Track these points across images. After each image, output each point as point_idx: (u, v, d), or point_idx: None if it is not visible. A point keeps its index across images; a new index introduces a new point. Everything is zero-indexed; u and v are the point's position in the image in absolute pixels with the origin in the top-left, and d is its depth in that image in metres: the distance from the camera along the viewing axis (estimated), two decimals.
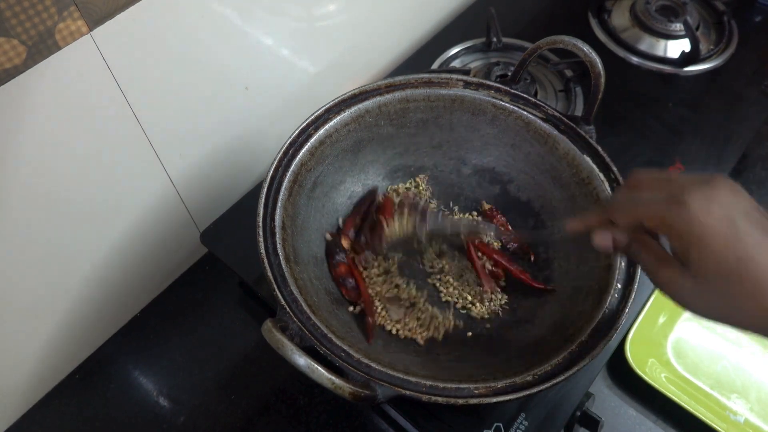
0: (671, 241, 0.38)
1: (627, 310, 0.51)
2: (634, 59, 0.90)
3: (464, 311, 0.61)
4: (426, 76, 0.65)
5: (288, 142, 0.58)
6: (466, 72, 0.86)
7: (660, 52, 0.90)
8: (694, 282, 0.37)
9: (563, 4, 0.99)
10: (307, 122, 0.60)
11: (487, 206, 0.68)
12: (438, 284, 0.63)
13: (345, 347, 0.48)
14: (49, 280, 0.61)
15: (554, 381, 0.47)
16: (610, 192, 0.58)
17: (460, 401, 0.46)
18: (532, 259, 0.64)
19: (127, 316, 0.72)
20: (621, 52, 0.91)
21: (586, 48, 0.59)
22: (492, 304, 0.62)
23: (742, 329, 0.37)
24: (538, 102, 0.64)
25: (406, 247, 0.61)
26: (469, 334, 0.60)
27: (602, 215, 0.44)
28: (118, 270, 0.68)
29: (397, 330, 0.59)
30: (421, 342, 0.58)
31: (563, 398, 0.57)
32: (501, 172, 0.68)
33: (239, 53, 0.66)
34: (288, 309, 0.49)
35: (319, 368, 0.44)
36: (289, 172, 0.57)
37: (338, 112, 0.61)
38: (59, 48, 0.49)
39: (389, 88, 0.63)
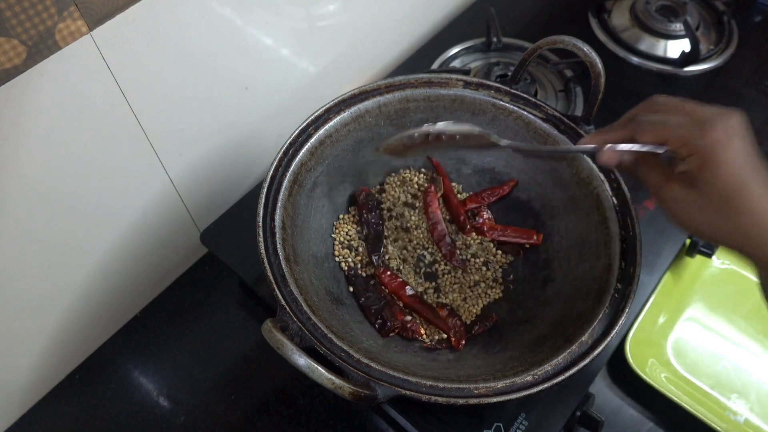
0: (689, 160, 0.42)
1: (627, 310, 0.51)
2: (634, 59, 0.90)
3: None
4: (426, 76, 0.65)
5: (288, 142, 0.58)
6: (466, 72, 0.86)
7: (660, 52, 0.90)
8: (698, 199, 0.42)
9: (563, 4, 0.99)
10: (307, 122, 0.60)
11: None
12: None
13: (345, 347, 0.48)
14: (48, 280, 0.61)
15: (554, 381, 0.47)
16: (610, 192, 0.58)
17: (460, 401, 0.46)
18: (521, 254, 0.65)
19: (127, 316, 0.72)
20: (621, 52, 0.91)
21: (586, 48, 0.59)
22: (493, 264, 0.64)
23: (731, 247, 0.43)
24: (538, 102, 0.64)
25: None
26: (477, 328, 0.60)
27: (625, 131, 0.46)
28: (118, 270, 0.68)
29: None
30: (428, 340, 0.59)
31: (563, 398, 0.57)
32: (501, 172, 0.68)
33: (239, 53, 0.66)
34: (288, 309, 0.49)
35: (319, 368, 0.44)
36: (289, 172, 0.57)
37: (338, 112, 0.61)
38: (59, 48, 0.49)
39: (389, 88, 0.63)
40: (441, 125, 0.54)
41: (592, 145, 0.48)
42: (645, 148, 0.45)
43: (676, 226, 0.44)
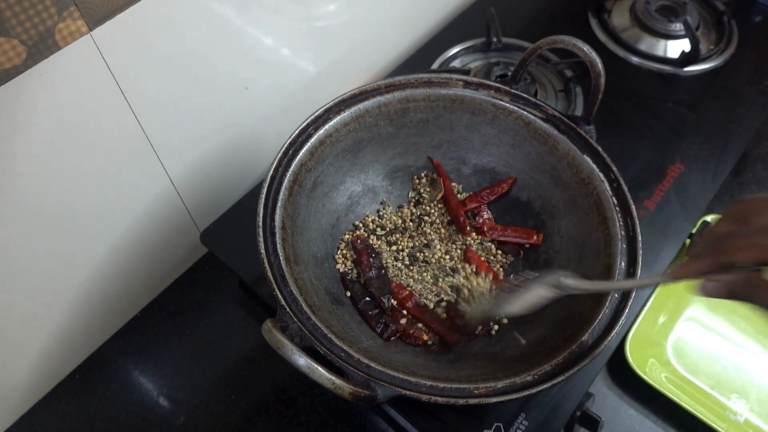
0: None
1: (627, 310, 0.51)
2: (634, 59, 0.90)
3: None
4: (426, 76, 0.65)
5: (288, 142, 0.58)
6: (466, 72, 0.86)
7: (660, 52, 0.90)
8: None
9: (563, 4, 0.99)
10: (307, 122, 0.60)
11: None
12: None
13: (345, 347, 0.48)
14: (48, 279, 0.61)
15: (554, 381, 0.47)
16: (610, 192, 0.58)
17: (460, 401, 0.46)
18: (521, 254, 0.65)
19: (127, 316, 0.72)
20: (621, 52, 0.91)
21: (586, 48, 0.59)
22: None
23: None
24: (538, 102, 0.64)
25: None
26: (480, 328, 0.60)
27: (715, 258, 0.38)
28: (118, 270, 0.68)
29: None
30: (430, 343, 0.59)
31: (563, 398, 0.57)
32: (501, 172, 0.68)
33: (239, 53, 0.66)
34: (288, 309, 0.49)
35: (319, 368, 0.44)
36: (289, 172, 0.57)
37: (338, 112, 0.61)
38: (59, 48, 0.49)
39: (389, 88, 0.63)
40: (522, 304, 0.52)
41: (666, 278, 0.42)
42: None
43: None
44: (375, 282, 0.60)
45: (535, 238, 0.64)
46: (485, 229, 0.65)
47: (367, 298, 0.60)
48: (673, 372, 0.69)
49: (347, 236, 0.64)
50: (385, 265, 0.63)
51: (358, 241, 0.63)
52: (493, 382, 0.47)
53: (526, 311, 0.51)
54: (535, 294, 0.51)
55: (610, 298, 0.52)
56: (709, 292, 0.39)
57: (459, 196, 0.69)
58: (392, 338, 0.58)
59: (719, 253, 0.38)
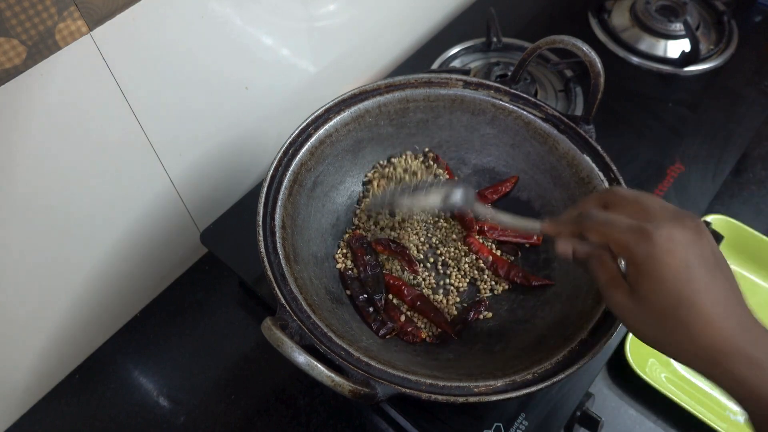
0: (628, 266, 0.40)
1: None
2: (634, 59, 0.90)
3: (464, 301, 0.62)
4: (426, 76, 0.65)
5: (288, 141, 0.58)
6: (466, 72, 0.86)
7: (660, 52, 0.90)
8: (638, 307, 0.40)
9: (563, 4, 0.99)
10: (307, 122, 0.60)
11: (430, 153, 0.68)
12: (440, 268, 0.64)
13: (344, 345, 0.48)
14: (48, 279, 0.61)
15: (554, 379, 0.47)
16: None
17: (460, 399, 0.46)
18: (519, 255, 0.65)
19: (127, 316, 0.72)
20: (621, 52, 0.91)
21: (586, 48, 0.59)
22: (494, 286, 0.63)
23: (676, 360, 0.40)
24: (538, 102, 0.64)
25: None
26: (472, 314, 0.60)
27: (574, 226, 0.44)
28: (118, 270, 0.68)
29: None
30: (429, 340, 0.59)
31: (563, 398, 0.57)
32: (501, 171, 0.68)
33: (239, 53, 0.66)
34: (288, 307, 0.49)
35: (319, 365, 0.44)
36: (289, 172, 0.57)
37: (338, 112, 0.61)
38: (59, 48, 0.49)
39: (389, 88, 0.64)
40: (415, 203, 0.57)
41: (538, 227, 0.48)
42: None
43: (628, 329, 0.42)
44: (370, 280, 0.60)
45: (535, 237, 0.64)
46: (485, 228, 0.65)
47: (365, 296, 0.60)
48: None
49: (347, 235, 0.65)
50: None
51: (354, 239, 0.63)
52: (493, 380, 0.47)
53: (417, 211, 0.58)
54: (429, 200, 0.56)
55: None
56: (559, 251, 0.45)
57: None
58: (388, 336, 0.58)
59: (578, 225, 0.44)
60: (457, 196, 0.55)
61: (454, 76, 0.65)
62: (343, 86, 0.85)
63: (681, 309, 0.37)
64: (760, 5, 0.99)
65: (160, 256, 0.73)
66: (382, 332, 0.57)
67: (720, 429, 0.63)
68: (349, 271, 0.62)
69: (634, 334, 0.42)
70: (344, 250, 0.64)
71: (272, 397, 0.66)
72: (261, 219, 0.54)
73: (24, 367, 0.64)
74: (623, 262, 0.42)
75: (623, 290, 0.41)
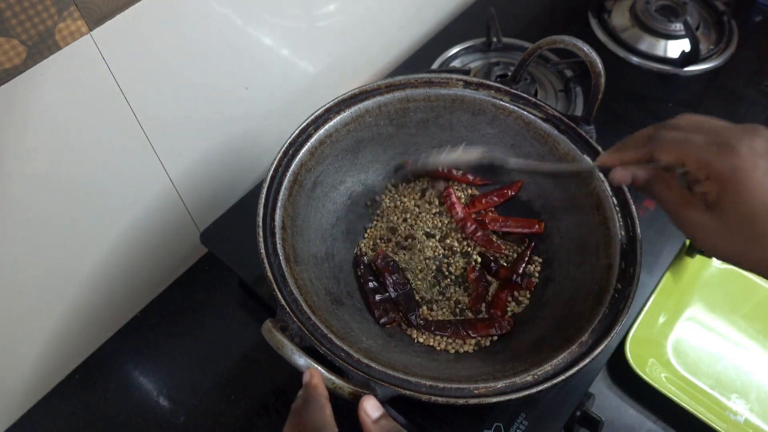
0: (707, 184, 0.40)
1: (627, 310, 0.51)
2: (634, 59, 0.90)
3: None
4: (426, 76, 0.65)
5: (288, 142, 0.58)
6: (466, 72, 0.86)
7: (660, 52, 0.90)
8: (717, 222, 0.40)
9: (563, 4, 0.99)
10: (307, 122, 0.60)
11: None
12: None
13: (345, 347, 0.48)
14: (49, 280, 0.61)
15: (554, 381, 0.47)
16: (610, 192, 0.58)
17: (460, 401, 0.46)
18: (526, 243, 0.65)
19: (127, 316, 0.72)
20: (621, 52, 0.91)
21: (586, 48, 0.59)
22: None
23: (755, 271, 0.41)
24: (538, 102, 0.64)
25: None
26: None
27: (639, 151, 0.44)
28: (118, 270, 0.68)
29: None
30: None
31: (563, 398, 0.57)
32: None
33: (239, 53, 0.66)
34: (288, 309, 0.49)
35: (319, 368, 0.44)
36: (289, 172, 0.57)
37: (338, 112, 0.61)
38: (59, 48, 0.49)
39: (389, 88, 0.63)
40: (454, 157, 0.59)
41: (590, 164, 0.47)
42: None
43: (698, 248, 0.43)
44: (401, 299, 0.60)
45: (536, 227, 0.64)
46: (487, 221, 0.65)
47: (375, 284, 0.60)
48: (673, 372, 0.69)
49: (370, 231, 0.66)
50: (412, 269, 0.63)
51: (379, 259, 0.62)
52: (493, 382, 0.47)
53: (458, 165, 0.62)
54: (467, 155, 0.58)
55: (610, 298, 0.52)
56: (617, 179, 0.45)
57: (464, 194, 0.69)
58: (389, 326, 0.58)
59: (645, 148, 0.43)
60: (495, 150, 0.57)
61: (454, 76, 0.65)
62: (343, 86, 0.85)
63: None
64: (760, 5, 0.99)
65: (160, 256, 0.73)
66: (383, 320, 0.58)
67: (720, 429, 0.63)
68: (365, 256, 0.63)
69: (709, 250, 0.42)
70: (368, 241, 0.65)
71: (272, 397, 0.66)
72: (261, 219, 0.54)
73: (24, 367, 0.64)
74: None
75: (698, 207, 0.41)
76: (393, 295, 0.60)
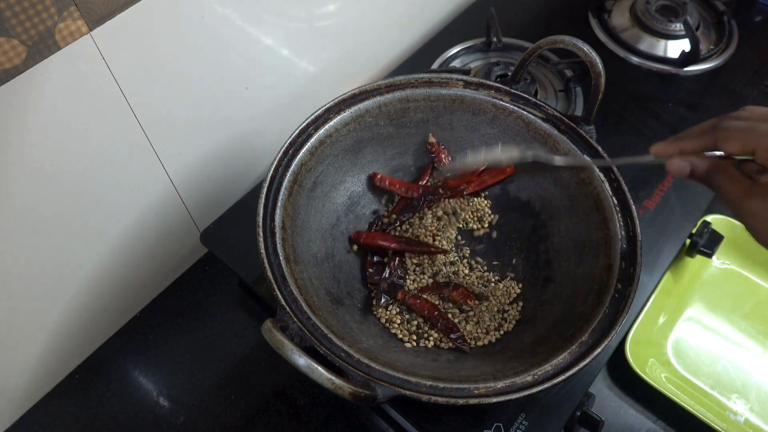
0: None
1: (627, 310, 0.51)
2: (634, 59, 0.90)
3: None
4: (426, 75, 0.65)
5: (288, 142, 0.58)
6: (466, 72, 0.86)
7: (660, 52, 0.90)
8: None
9: (563, 4, 0.99)
10: (307, 122, 0.60)
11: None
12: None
13: (345, 347, 0.48)
14: (48, 279, 0.61)
15: (554, 381, 0.47)
16: (610, 192, 0.58)
17: (460, 401, 0.46)
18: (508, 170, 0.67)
19: (127, 316, 0.72)
20: (621, 52, 0.91)
21: (586, 48, 0.59)
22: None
23: None
24: (538, 102, 0.64)
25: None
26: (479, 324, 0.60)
27: (703, 139, 0.43)
28: (118, 270, 0.68)
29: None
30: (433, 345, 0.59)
31: (563, 398, 0.57)
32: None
33: (239, 53, 0.66)
34: (288, 309, 0.49)
35: (319, 368, 0.44)
36: (289, 172, 0.57)
37: (338, 112, 0.61)
38: (59, 48, 0.49)
39: (389, 88, 0.63)
40: (494, 156, 0.61)
41: (651, 156, 0.46)
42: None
43: (759, 242, 0.42)
44: (386, 285, 0.62)
45: (507, 170, 0.67)
46: (461, 188, 0.67)
47: (377, 257, 0.64)
48: (673, 372, 0.69)
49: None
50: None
51: (396, 259, 0.64)
52: (493, 382, 0.47)
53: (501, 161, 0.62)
54: (507, 153, 0.60)
55: (610, 298, 0.52)
56: (673, 169, 0.44)
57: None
58: (390, 306, 0.61)
59: (708, 137, 0.42)
60: (534, 145, 0.60)
61: (454, 75, 0.65)
62: (343, 86, 0.85)
63: None
64: (760, 5, 0.99)
65: (160, 256, 0.73)
66: (383, 301, 0.60)
67: (720, 429, 0.63)
68: (377, 224, 0.66)
69: None
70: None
71: (272, 397, 0.66)
72: (261, 219, 0.54)
73: (24, 367, 0.64)
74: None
75: (763, 199, 0.40)
76: (388, 278, 0.62)
